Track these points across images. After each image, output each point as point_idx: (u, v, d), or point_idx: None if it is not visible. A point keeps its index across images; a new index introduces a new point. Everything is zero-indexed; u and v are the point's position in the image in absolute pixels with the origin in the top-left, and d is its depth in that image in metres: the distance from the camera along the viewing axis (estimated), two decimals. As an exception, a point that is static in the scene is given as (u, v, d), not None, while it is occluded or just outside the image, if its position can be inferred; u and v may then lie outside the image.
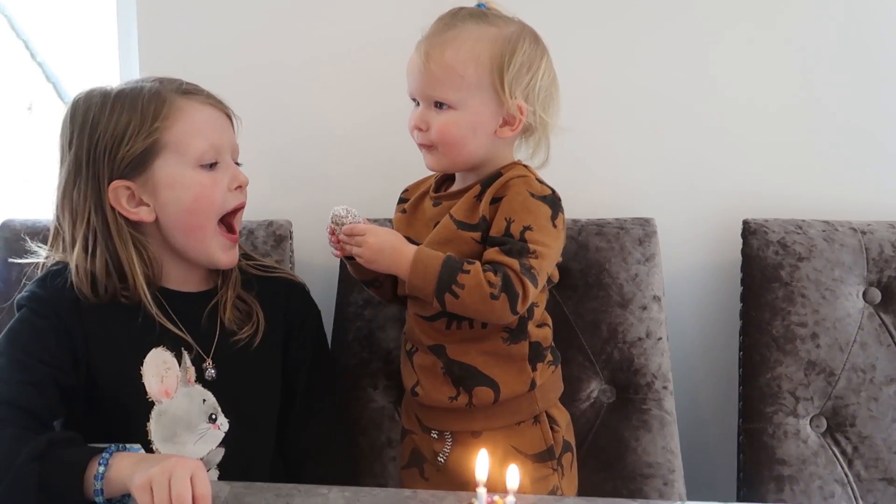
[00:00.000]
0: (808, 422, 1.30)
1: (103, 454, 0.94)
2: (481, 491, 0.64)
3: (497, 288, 0.99)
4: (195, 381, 1.14)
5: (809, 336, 1.30)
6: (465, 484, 1.03)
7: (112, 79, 1.59)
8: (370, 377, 1.37)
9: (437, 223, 1.10)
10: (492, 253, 1.03)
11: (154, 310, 1.10)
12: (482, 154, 1.10)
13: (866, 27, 1.40)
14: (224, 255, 1.15)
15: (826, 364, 1.29)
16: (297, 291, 1.26)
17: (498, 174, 1.09)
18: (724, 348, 1.45)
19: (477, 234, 1.06)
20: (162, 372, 1.12)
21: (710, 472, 1.44)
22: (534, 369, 1.10)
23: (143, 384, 1.10)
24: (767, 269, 1.33)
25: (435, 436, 1.13)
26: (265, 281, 1.22)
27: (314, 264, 1.47)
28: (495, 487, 0.97)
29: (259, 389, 1.18)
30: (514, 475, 0.70)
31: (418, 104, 1.10)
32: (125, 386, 1.10)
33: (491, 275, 1.00)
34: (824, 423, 1.30)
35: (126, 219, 1.09)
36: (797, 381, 1.29)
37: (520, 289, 1.00)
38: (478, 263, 1.02)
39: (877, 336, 1.30)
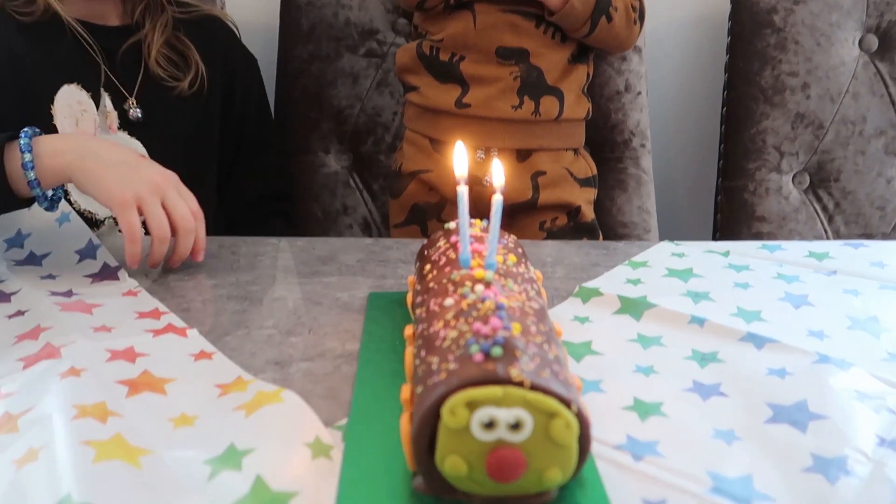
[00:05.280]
0: (790, 178, 1.22)
1: (20, 140, 0.76)
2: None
3: (637, 12, 1.04)
4: (118, 129, 0.98)
5: (800, 87, 1.20)
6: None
7: None
8: (321, 140, 1.24)
9: None
10: None
11: (70, 31, 0.92)
12: None
13: None
14: None
15: (815, 116, 1.20)
16: (234, 36, 1.10)
17: None
18: (706, 105, 1.35)
19: None
20: (77, 114, 0.95)
21: (686, 232, 1.39)
22: (588, 100, 1.08)
23: (53, 125, 0.94)
24: (760, 14, 1.20)
25: (481, 156, 1.03)
26: (196, 25, 1.05)
27: (250, 6, 1.29)
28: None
29: (193, 139, 1.03)
30: (498, 170, 0.60)
31: None
32: (33, 124, 0.92)
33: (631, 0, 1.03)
34: (807, 179, 1.23)
35: None
36: (783, 135, 1.21)
37: (644, 16, 1.05)
38: None
39: (870, 86, 1.21)
